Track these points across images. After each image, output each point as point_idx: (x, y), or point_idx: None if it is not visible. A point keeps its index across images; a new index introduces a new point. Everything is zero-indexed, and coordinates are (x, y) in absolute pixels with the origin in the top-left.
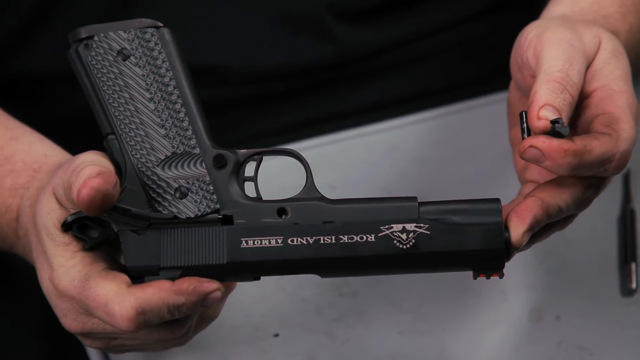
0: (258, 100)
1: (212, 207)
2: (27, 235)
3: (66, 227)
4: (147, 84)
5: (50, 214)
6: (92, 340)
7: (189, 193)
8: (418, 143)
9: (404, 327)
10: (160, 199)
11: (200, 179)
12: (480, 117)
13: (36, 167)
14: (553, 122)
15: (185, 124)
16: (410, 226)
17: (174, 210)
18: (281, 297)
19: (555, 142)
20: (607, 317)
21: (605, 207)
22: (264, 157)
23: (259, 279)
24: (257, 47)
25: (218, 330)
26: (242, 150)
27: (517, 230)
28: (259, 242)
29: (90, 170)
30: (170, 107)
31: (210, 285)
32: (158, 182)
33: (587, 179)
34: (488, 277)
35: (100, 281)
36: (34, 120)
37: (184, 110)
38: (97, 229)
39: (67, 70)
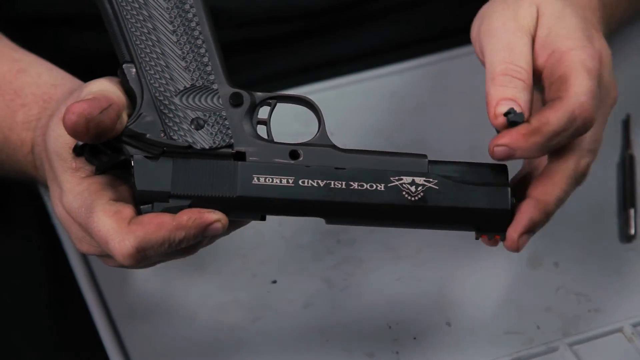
0: (253, 45)
1: (227, 141)
2: (42, 164)
3: (77, 151)
4: (170, 17)
5: (59, 140)
6: (108, 259)
7: (205, 125)
8: (416, 89)
9: (401, 274)
10: (176, 128)
11: (217, 113)
12: (480, 62)
13: (46, 97)
14: (506, 114)
15: (206, 59)
16: (419, 180)
17: (189, 140)
18: (279, 244)
19: (513, 132)
20: (605, 263)
21: (604, 153)
22: (278, 103)
23: (264, 219)
24: None
25: (216, 277)
26: (258, 93)
27: (512, 234)
28: (270, 180)
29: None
30: (192, 42)
31: (211, 215)
32: (175, 112)
33: (571, 151)
34: (490, 238)
35: (102, 217)
36: None
37: (204, 46)
38: (110, 154)
39: (60, 11)
